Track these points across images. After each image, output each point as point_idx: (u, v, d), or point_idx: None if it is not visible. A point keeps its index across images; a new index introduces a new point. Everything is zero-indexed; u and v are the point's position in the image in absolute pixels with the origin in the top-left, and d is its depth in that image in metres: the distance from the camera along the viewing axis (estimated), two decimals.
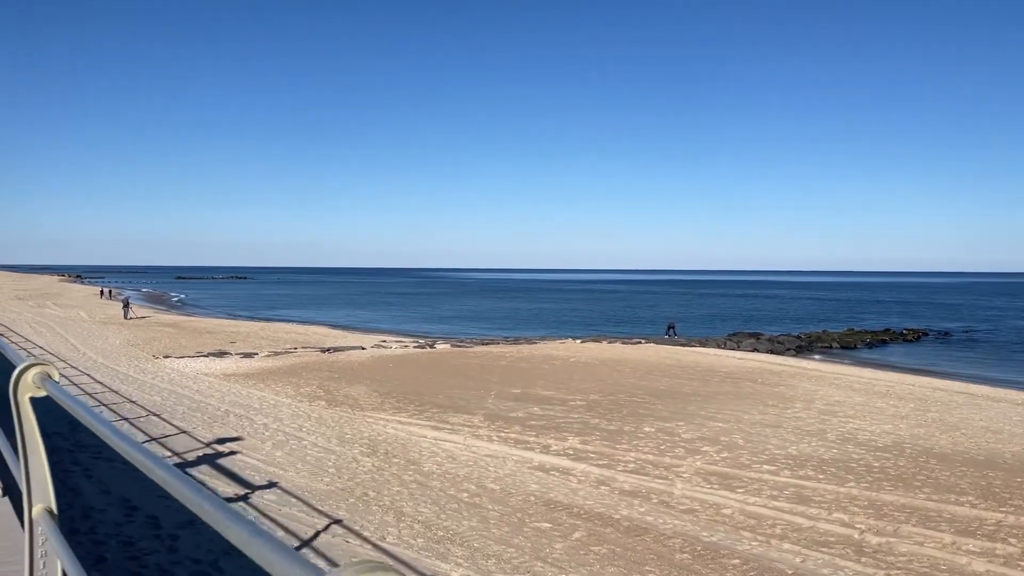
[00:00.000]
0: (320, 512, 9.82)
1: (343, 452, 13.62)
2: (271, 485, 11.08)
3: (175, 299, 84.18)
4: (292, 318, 56.04)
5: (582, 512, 10.46)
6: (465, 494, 11.20)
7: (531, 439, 15.15)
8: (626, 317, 65.56)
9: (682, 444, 14.66)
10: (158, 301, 78.56)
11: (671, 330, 45.45)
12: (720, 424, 16.62)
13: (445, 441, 14.90)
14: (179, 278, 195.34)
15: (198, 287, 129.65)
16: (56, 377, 2.42)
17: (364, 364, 27.39)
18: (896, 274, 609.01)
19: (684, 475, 12.40)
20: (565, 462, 13.30)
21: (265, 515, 9.40)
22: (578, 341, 38.84)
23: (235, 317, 57.50)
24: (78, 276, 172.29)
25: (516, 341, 38.09)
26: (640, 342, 39.62)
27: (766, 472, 12.64)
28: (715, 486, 11.79)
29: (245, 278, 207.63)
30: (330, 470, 12.28)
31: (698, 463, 13.18)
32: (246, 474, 11.55)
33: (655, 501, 10.99)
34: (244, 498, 10.20)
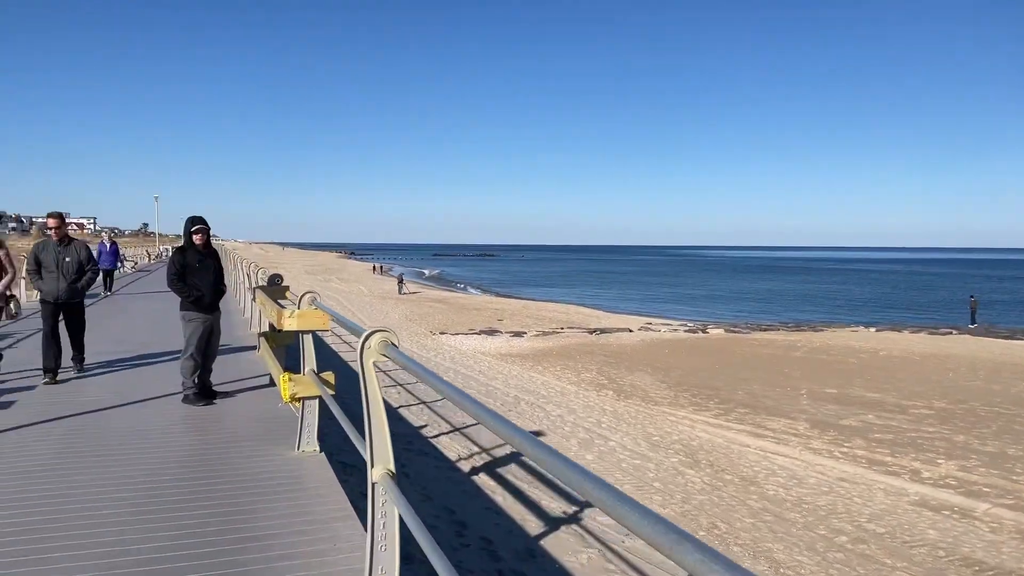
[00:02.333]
0: None
1: (660, 460, 11.74)
2: None
3: (438, 274, 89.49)
4: (547, 296, 56.15)
5: None
6: (843, 537, 8.70)
7: (887, 459, 12.13)
8: (903, 301, 56.90)
9: None
10: (424, 277, 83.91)
11: (975, 316, 38.39)
12: None
13: (775, 454, 12.43)
14: (436, 255, 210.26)
15: (453, 264, 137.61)
16: (397, 343, 2.61)
17: (637, 349, 25.56)
18: None
19: None
20: (955, 498, 10.21)
21: (608, 547, 7.74)
22: (872, 329, 33.71)
23: (494, 293, 59.06)
24: (352, 253, 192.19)
25: (798, 327, 33.98)
26: (951, 332, 33.47)
27: None
28: None
29: (492, 255, 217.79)
30: (655, 485, 10.43)
31: None
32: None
33: None
34: (574, 518, 8.66)
